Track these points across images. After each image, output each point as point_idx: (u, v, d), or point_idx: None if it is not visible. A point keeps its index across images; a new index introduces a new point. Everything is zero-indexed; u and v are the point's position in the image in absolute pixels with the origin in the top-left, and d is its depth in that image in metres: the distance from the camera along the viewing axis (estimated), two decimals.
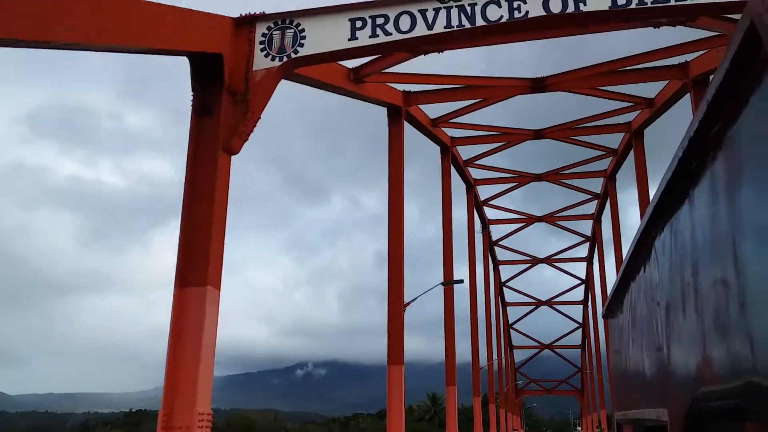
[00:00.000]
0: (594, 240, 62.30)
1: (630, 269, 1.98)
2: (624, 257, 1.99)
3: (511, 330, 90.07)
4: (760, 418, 0.52)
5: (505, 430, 70.75)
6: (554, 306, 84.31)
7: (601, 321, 63.97)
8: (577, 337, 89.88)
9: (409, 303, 21.28)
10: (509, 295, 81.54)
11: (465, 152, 42.17)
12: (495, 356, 63.51)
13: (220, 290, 10.29)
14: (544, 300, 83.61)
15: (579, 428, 69.25)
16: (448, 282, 23.72)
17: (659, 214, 1.47)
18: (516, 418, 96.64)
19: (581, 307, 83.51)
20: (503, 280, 75.60)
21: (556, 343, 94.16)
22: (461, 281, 29.04)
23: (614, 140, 39.48)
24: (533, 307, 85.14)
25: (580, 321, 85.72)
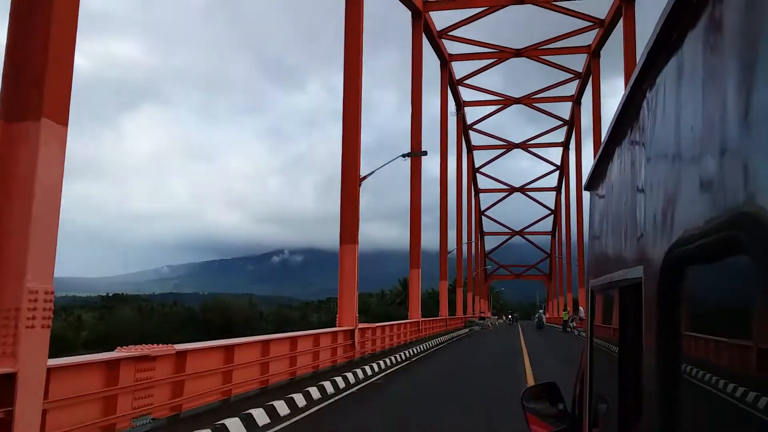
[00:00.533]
0: (572, 124, 60.44)
1: (615, 133, 1.69)
2: (610, 123, 1.75)
3: (483, 217, 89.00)
4: (726, 256, 0.65)
5: (472, 312, 72.52)
6: (527, 193, 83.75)
7: (573, 207, 63.45)
8: (547, 224, 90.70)
9: (365, 177, 19.15)
10: (482, 182, 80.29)
11: (440, 23, 38.82)
12: (465, 241, 63.22)
13: (66, 127, 7.23)
14: (517, 186, 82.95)
15: (541, 311, 70.72)
16: (411, 154, 21.46)
17: (653, 63, 1.25)
18: (484, 302, 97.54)
19: (554, 194, 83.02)
20: (477, 166, 73.89)
21: (527, 230, 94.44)
22: (425, 153, 26.86)
23: (601, 10, 36.34)
24: (506, 194, 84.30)
25: (552, 208, 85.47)
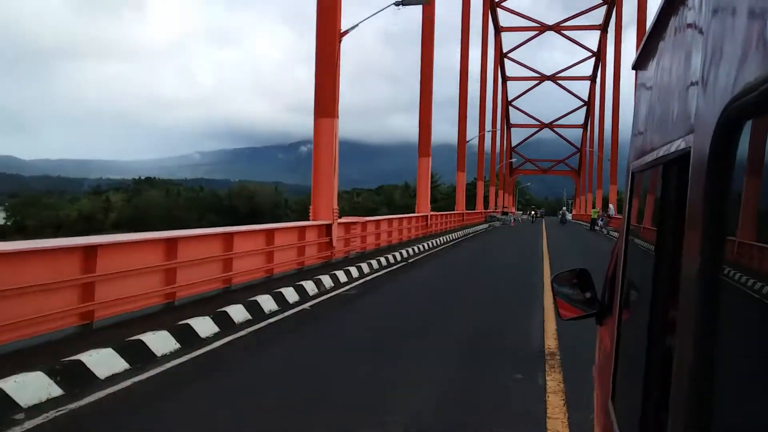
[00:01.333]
0: (613, 2, 54.92)
1: (670, 5, 1.59)
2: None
3: (510, 107, 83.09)
4: None
5: (495, 207, 70.11)
6: (559, 82, 77.81)
7: (609, 97, 58.94)
8: (579, 117, 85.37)
9: (346, 32, 15.55)
10: (511, 69, 75.32)
11: None
12: (489, 129, 59.56)
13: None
14: (548, 75, 77.07)
15: (565, 208, 68.82)
16: (406, 2, 17.13)
17: None
18: (508, 197, 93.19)
19: (588, 83, 76.83)
20: (505, 50, 68.56)
21: (557, 123, 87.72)
22: (427, 1, 22.61)
23: None
24: (536, 82, 78.61)
25: (586, 98, 79.20)
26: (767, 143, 0.79)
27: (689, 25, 1.31)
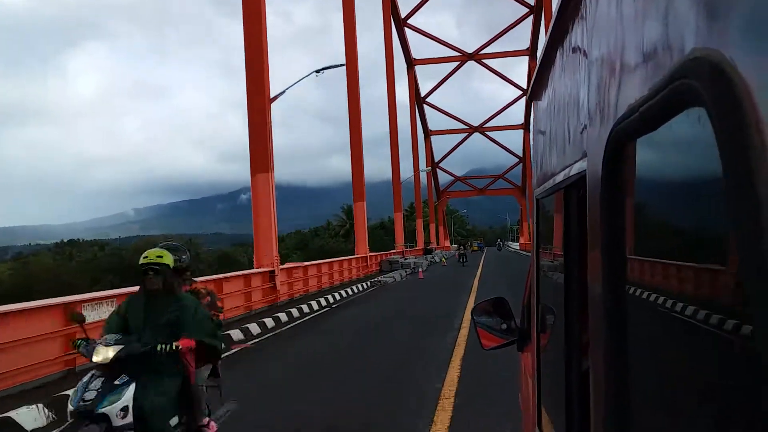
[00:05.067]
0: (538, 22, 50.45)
1: (556, 33, 1.65)
2: (549, 29, 1.72)
3: (424, 105, 64.38)
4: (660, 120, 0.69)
5: (434, 241, 63.59)
6: (484, 61, 60.09)
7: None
8: (518, 114, 75.18)
9: (275, 98, 17.08)
10: (422, 49, 70.07)
11: None
12: (422, 170, 58.37)
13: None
14: (470, 52, 59.52)
15: (499, 240, 66.22)
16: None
17: None
18: (441, 229, 79.54)
19: (526, 64, 59.55)
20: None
21: (489, 124, 69.22)
22: (342, 65, 24.55)
23: None
24: (459, 62, 60.94)
25: (524, 86, 60.65)
26: (655, 160, 0.84)
27: (574, 54, 1.39)
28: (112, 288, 12.94)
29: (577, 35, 1.36)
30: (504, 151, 72.10)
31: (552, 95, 1.80)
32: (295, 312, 15.95)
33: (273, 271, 17.17)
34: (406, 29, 54.78)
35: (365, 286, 24.37)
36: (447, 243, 79.59)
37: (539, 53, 1.89)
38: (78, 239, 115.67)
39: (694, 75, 0.60)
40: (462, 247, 48.55)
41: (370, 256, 31.63)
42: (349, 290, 22.42)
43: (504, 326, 2.98)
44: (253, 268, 17.23)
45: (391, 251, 41.48)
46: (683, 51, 0.64)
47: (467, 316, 13.94)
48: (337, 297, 20.25)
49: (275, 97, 17.07)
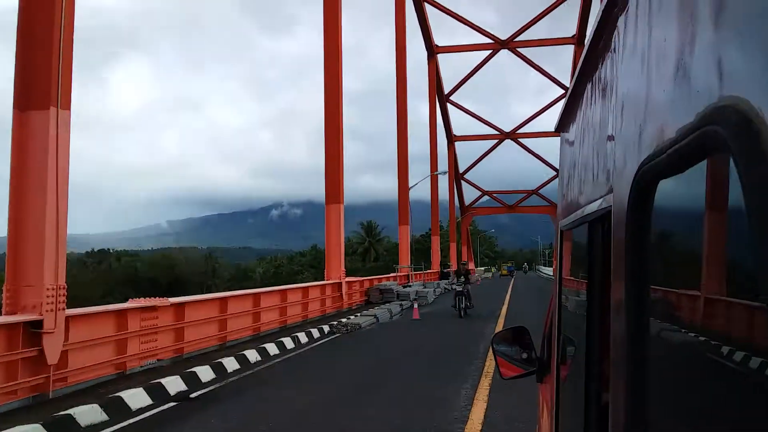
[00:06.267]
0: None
1: (585, 69, 1.66)
2: (579, 61, 1.71)
3: (447, 104, 55.63)
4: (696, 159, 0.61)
5: (455, 263, 47.44)
6: (519, 48, 48.45)
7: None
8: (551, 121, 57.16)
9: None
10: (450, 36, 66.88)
11: None
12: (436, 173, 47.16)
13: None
14: (504, 39, 47.79)
15: (525, 264, 56.60)
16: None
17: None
18: (465, 249, 70.95)
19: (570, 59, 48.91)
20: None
21: (521, 131, 58.63)
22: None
23: None
24: (491, 51, 49.47)
25: (566, 85, 46.01)
26: (680, 200, 0.84)
27: (604, 88, 1.37)
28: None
29: (607, 69, 1.35)
30: (539, 162, 59.10)
31: (579, 128, 1.80)
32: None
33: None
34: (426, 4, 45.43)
35: (313, 336, 16.12)
36: (472, 265, 68.88)
37: (570, 84, 1.81)
38: (108, 249, 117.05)
39: (722, 122, 0.60)
40: (462, 278, 22.45)
41: (348, 282, 23.11)
42: (270, 347, 13.63)
43: (524, 356, 2.96)
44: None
45: (389, 275, 33.13)
46: (712, 96, 0.64)
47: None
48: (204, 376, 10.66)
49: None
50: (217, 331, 13.59)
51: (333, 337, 16.50)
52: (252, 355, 12.62)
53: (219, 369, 11.10)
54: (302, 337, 15.43)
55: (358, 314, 20.44)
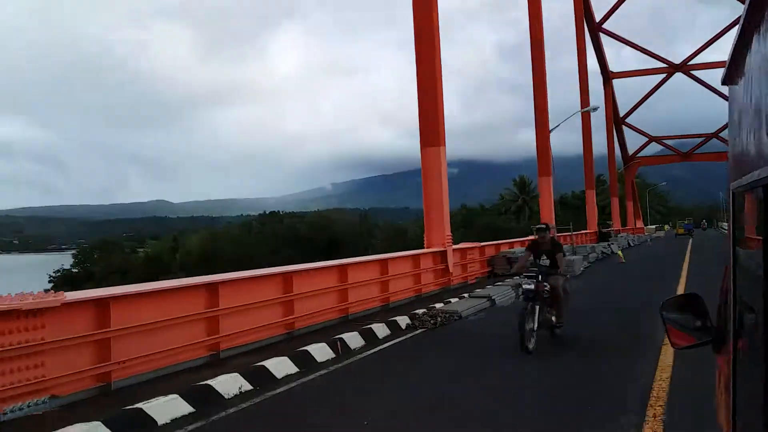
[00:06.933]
0: None
1: (754, 14, 1.46)
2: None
3: (600, 34, 48.34)
4: None
5: (617, 222, 45.10)
6: None
7: None
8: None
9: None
10: None
11: None
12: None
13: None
14: None
15: (704, 221, 50.00)
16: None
17: None
18: (630, 205, 62.03)
19: None
20: None
21: (693, 62, 49.76)
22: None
23: None
24: None
25: None
26: None
27: None
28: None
29: None
30: (718, 97, 46.62)
31: (750, 81, 1.61)
32: None
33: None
34: None
35: (376, 335, 11.00)
36: (640, 224, 65.71)
37: (737, 31, 1.58)
38: (278, 211, 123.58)
39: None
40: (541, 259, 10.15)
41: (462, 249, 19.06)
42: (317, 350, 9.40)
43: (698, 324, 2.72)
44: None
45: (525, 239, 26.28)
46: None
47: None
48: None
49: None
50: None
51: (404, 338, 11.04)
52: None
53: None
54: (326, 352, 9.42)
55: (467, 295, 15.02)
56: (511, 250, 22.03)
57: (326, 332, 10.64)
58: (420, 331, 11.48)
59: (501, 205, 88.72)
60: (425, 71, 16.80)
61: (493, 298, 14.30)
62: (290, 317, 10.54)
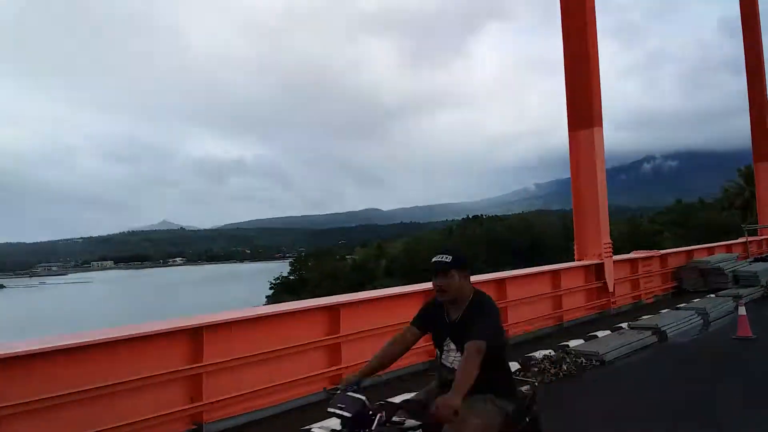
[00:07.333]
0: None
1: None
2: None
3: None
4: None
5: None
6: None
7: None
8: None
9: None
10: None
11: None
12: None
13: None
14: None
15: None
16: None
17: None
18: None
19: None
20: None
21: None
22: None
23: None
24: None
25: None
26: None
27: None
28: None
29: None
30: None
31: None
32: None
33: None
34: None
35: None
36: None
37: None
38: (481, 215, 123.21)
39: None
40: (438, 331, 3.52)
41: (630, 260, 14.26)
42: None
43: None
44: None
45: (730, 242, 20.39)
46: None
47: None
48: None
49: None
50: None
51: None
52: None
53: None
54: None
55: (625, 325, 10.73)
56: (705, 259, 16.36)
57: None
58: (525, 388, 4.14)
59: (724, 199, 78.62)
60: (574, 26, 12.91)
61: (662, 329, 9.91)
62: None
